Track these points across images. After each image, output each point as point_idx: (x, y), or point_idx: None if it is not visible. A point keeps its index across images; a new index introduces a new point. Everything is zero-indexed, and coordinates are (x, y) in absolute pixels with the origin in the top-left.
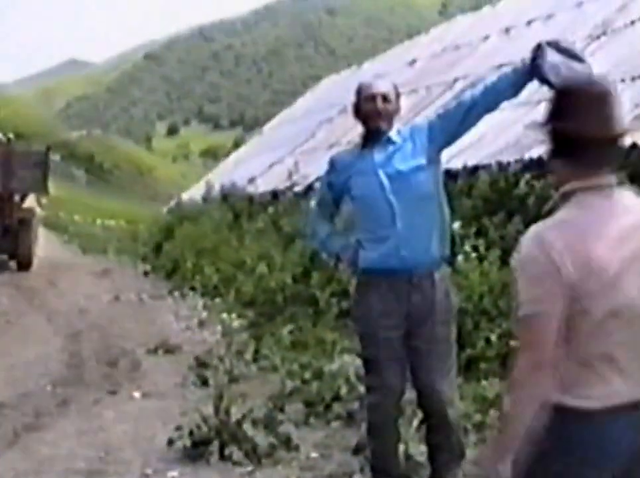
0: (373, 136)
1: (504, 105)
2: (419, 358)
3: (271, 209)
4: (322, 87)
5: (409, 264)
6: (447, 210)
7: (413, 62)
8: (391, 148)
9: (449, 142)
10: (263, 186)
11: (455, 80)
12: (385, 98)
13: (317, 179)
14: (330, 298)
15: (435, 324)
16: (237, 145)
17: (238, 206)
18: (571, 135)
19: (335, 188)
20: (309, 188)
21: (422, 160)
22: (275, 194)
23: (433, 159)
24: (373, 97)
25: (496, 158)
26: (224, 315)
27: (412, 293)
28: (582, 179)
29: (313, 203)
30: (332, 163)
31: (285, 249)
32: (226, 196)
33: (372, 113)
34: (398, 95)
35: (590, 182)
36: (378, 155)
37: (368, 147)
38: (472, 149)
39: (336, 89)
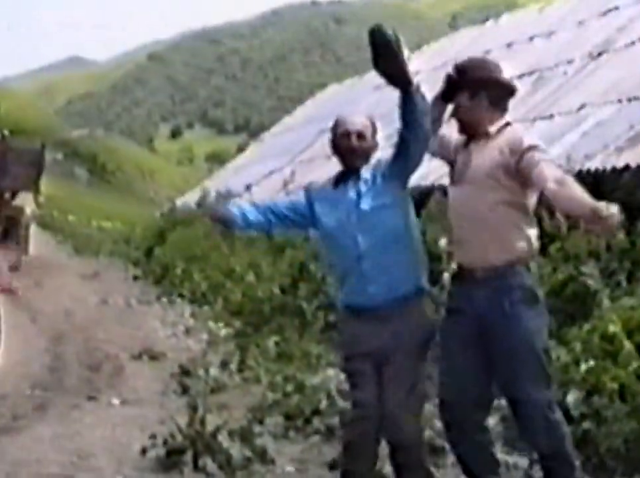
0: (347, 173)
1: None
2: (384, 385)
3: None
4: (324, 96)
5: (377, 301)
6: (418, 244)
7: (415, 74)
8: (362, 186)
9: (410, 173)
10: (258, 194)
11: None
12: (360, 135)
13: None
14: (316, 310)
15: (403, 356)
16: (241, 150)
17: None
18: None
19: (299, 211)
20: None
21: (387, 198)
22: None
23: (399, 195)
24: (348, 135)
25: None
26: (211, 323)
27: (381, 328)
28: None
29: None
30: (309, 192)
31: (275, 259)
32: (220, 202)
33: (347, 151)
34: (374, 132)
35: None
36: (350, 193)
37: (342, 183)
38: None
39: (338, 98)
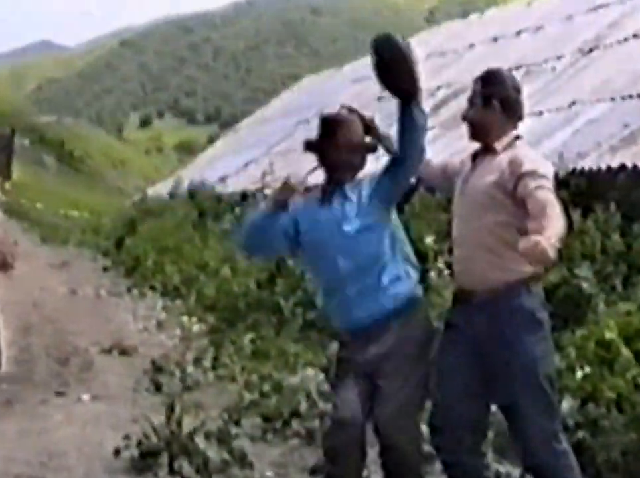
0: (334, 187)
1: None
2: (380, 393)
3: (238, 210)
4: (300, 88)
5: (364, 323)
6: (406, 254)
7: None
8: (347, 205)
9: (400, 192)
10: (233, 185)
11: (438, 88)
12: (355, 148)
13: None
14: (295, 307)
15: (397, 363)
16: (212, 141)
17: (204, 205)
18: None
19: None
20: None
21: (372, 218)
22: (244, 195)
23: (385, 213)
24: (345, 145)
25: None
26: (184, 318)
27: (370, 345)
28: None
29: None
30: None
31: None
32: (193, 193)
33: (338, 163)
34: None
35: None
36: (334, 212)
37: (326, 199)
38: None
39: (315, 90)
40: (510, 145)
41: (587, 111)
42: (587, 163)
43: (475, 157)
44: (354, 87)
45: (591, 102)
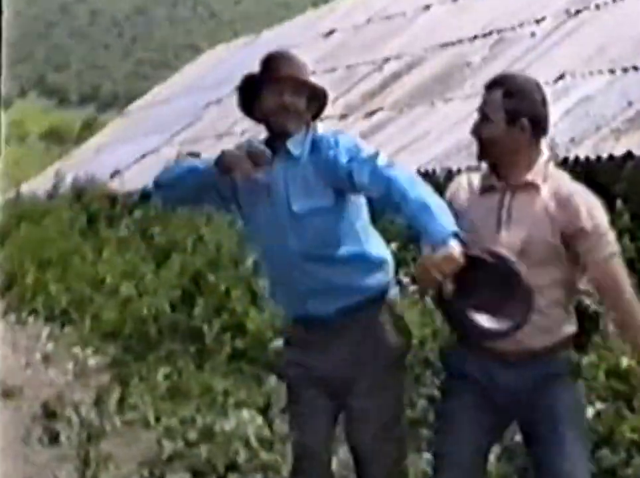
0: (275, 141)
1: (452, 95)
2: (351, 423)
3: (139, 213)
4: (207, 60)
5: (323, 311)
6: (374, 246)
7: (329, 33)
8: (290, 166)
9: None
10: (130, 182)
11: (386, 60)
12: (296, 88)
13: None
14: (220, 333)
15: (369, 382)
16: (88, 126)
17: (94, 207)
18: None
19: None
20: None
21: (326, 200)
22: (145, 195)
23: (345, 199)
24: (277, 83)
25: (442, 163)
26: (77, 349)
27: (334, 345)
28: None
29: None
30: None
31: (159, 266)
32: (80, 192)
33: (275, 109)
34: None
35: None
36: (278, 181)
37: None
38: (411, 149)
39: (226, 63)
40: (545, 175)
41: (579, 86)
42: (584, 151)
43: (487, 188)
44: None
45: (584, 75)
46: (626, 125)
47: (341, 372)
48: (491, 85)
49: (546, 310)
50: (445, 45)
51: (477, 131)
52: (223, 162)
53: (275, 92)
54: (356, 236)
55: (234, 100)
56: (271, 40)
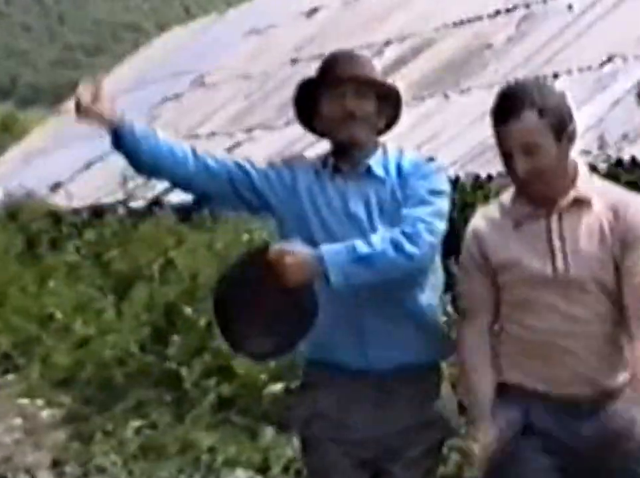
0: (340, 156)
1: (470, 84)
2: None
3: (90, 234)
4: (162, 46)
5: (385, 364)
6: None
7: (312, 11)
8: (371, 188)
9: None
10: (76, 197)
11: (387, 43)
12: (364, 90)
13: (169, 189)
14: (202, 378)
15: (423, 444)
16: (5, 128)
17: (33, 227)
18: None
19: (257, 194)
20: (155, 203)
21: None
22: (97, 211)
23: None
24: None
25: (465, 168)
26: (24, 401)
27: (389, 402)
28: None
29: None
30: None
31: (120, 298)
32: (14, 210)
33: (339, 116)
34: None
35: None
36: (353, 195)
37: (335, 171)
38: (424, 151)
39: (184, 49)
40: (593, 186)
41: (631, 71)
42: None
43: (523, 219)
44: (250, 41)
45: (637, 57)
46: None
47: (393, 437)
48: (512, 112)
49: (606, 349)
50: (460, 23)
51: (522, 170)
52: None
53: (335, 96)
54: (433, 285)
55: (197, 95)
56: (238, 20)
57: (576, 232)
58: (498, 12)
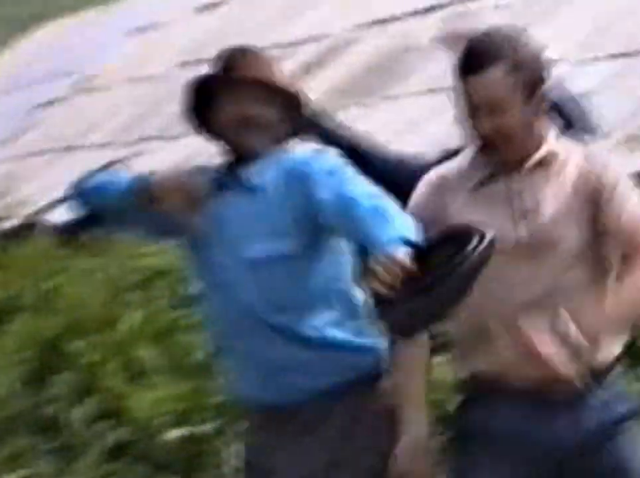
0: (238, 165)
1: (395, 92)
2: None
3: None
4: (34, 43)
5: (292, 397)
6: (354, 307)
7: (210, 6)
8: (247, 199)
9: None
10: None
11: (296, 44)
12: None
13: (50, 206)
14: (91, 422)
15: None
16: None
17: None
18: None
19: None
20: (30, 226)
21: (292, 245)
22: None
23: (319, 248)
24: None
25: None
26: None
27: (305, 439)
28: None
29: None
30: None
31: None
32: None
33: (235, 123)
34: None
35: None
36: (231, 208)
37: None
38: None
39: (63, 47)
40: (560, 147)
41: (574, 79)
42: None
43: (484, 181)
44: (138, 40)
45: (581, 62)
46: None
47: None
48: (479, 63)
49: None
50: (382, 21)
51: (485, 129)
52: (148, 189)
53: (232, 100)
54: (336, 299)
55: (81, 100)
56: (122, 16)
57: (541, 193)
58: (425, 10)
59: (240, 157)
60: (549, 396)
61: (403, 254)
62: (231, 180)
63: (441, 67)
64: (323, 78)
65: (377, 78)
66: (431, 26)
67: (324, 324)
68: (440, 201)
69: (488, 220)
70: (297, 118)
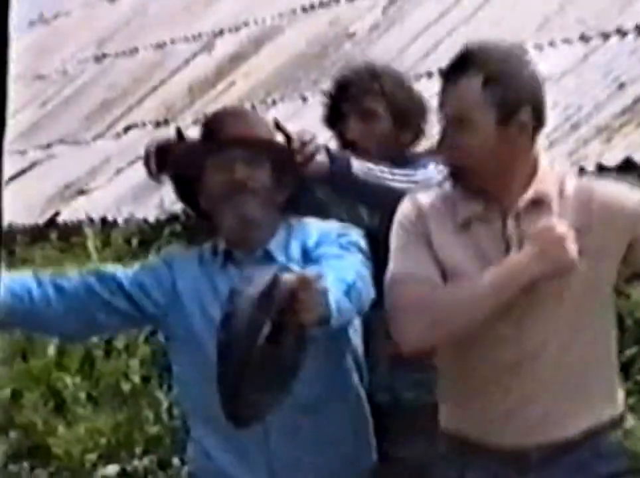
0: (232, 239)
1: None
2: None
3: None
4: None
5: None
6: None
7: None
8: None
9: None
10: None
11: (217, 34)
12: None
13: None
14: (11, 460)
15: None
16: None
17: None
18: None
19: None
20: None
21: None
22: None
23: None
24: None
25: None
26: None
27: None
28: None
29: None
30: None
31: None
32: None
33: (226, 187)
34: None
35: None
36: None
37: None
38: None
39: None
40: (559, 182)
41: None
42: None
43: (470, 219)
44: (37, 32)
45: (537, 46)
46: (619, 119)
47: None
48: (457, 67)
49: (588, 382)
50: (310, 8)
51: (446, 147)
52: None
53: (221, 164)
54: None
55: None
56: (19, 5)
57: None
58: None
59: (232, 229)
60: (522, 455)
61: (314, 275)
62: (240, 250)
63: (376, 57)
64: (247, 71)
65: (308, 70)
66: (362, 12)
67: (337, 413)
68: (423, 229)
69: (477, 265)
70: (295, 180)
